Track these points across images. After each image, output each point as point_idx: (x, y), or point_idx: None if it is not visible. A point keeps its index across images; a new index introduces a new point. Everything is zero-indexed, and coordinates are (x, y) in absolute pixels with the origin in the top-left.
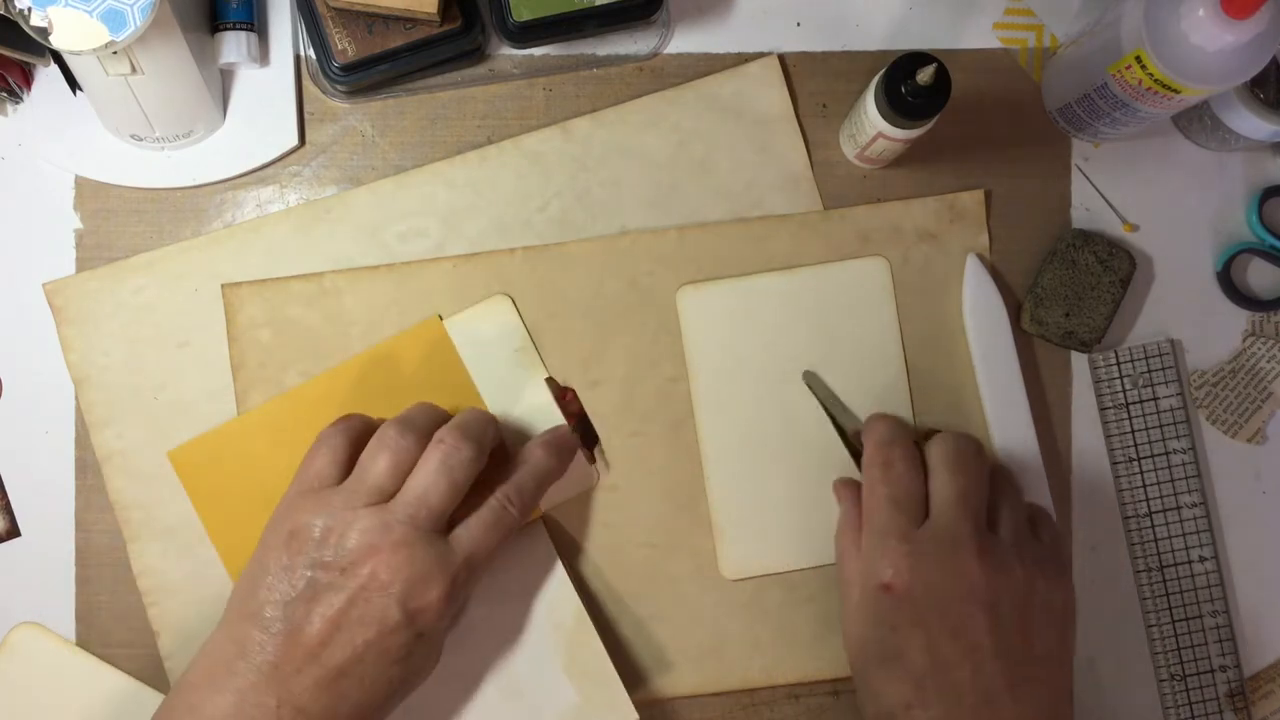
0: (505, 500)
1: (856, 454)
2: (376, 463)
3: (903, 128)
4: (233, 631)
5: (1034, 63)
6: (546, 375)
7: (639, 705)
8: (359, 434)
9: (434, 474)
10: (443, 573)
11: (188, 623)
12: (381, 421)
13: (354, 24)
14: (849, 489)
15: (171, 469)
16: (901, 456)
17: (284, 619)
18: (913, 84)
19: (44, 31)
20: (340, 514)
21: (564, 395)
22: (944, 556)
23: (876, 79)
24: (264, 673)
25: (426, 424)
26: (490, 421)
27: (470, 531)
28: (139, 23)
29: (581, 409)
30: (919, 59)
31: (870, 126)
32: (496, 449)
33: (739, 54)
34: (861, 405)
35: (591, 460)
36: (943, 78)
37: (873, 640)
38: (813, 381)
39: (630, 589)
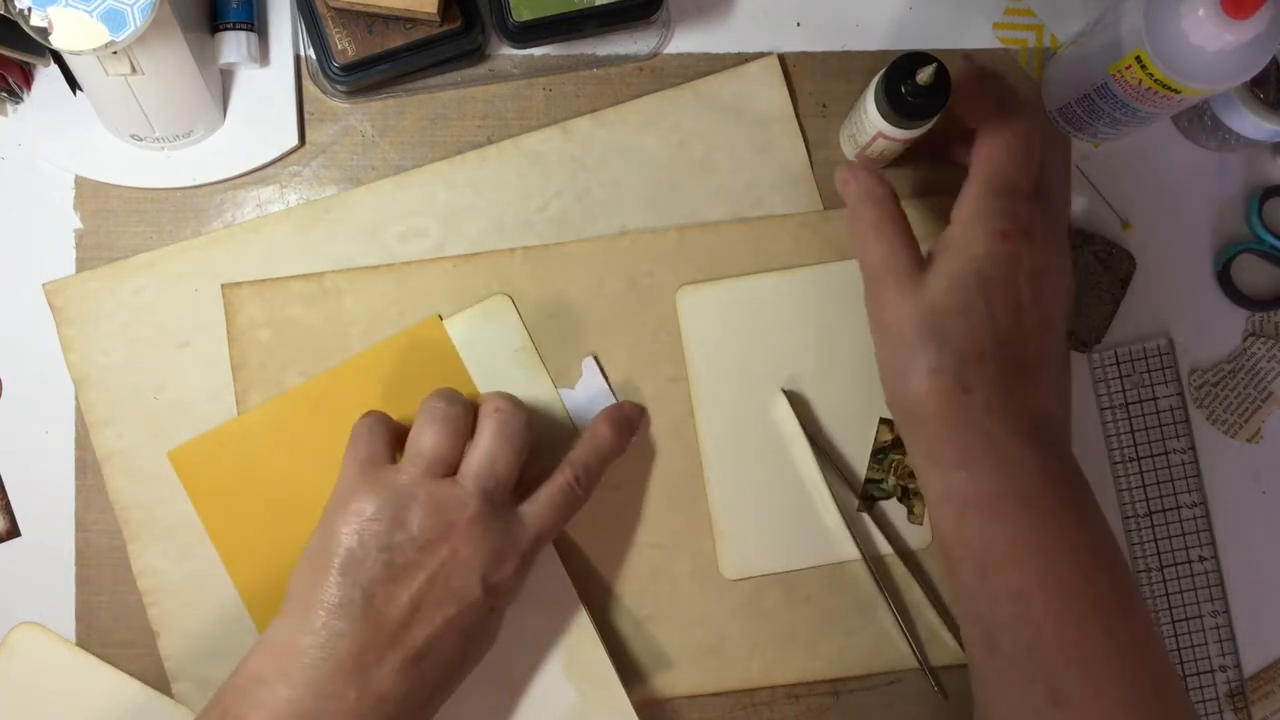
0: (574, 480)
1: (839, 482)
2: (432, 434)
3: (903, 128)
4: (301, 621)
5: (1034, 63)
6: (587, 355)
7: (639, 705)
8: (389, 423)
9: (496, 441)
10: (515, 547)
11: (188, 623)
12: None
13: (354, 24)
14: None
15: (171, 469)
16: (1040, 139)
17: (362, 603)
18: (913, 84)
19: (44, 31)
20: (409, 490)
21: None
22: (1048, 229)
23: (876, 79)
24: (341, 662)
25: (465, 399)
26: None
27: (539, 509)
28: (139, 23)
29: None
30: (919, 59)
31: (870, 126)
32: None
33: (739, 54)
34: (862, 405)
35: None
36: (943, 78)
37: (968, 278)
38: (794, 401)
39: (630, 589)
